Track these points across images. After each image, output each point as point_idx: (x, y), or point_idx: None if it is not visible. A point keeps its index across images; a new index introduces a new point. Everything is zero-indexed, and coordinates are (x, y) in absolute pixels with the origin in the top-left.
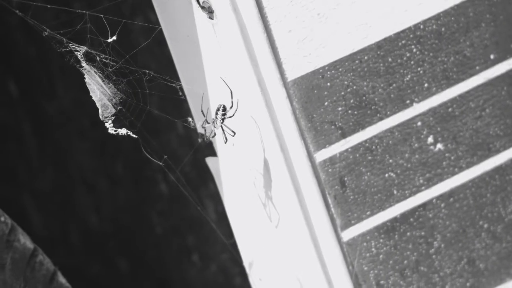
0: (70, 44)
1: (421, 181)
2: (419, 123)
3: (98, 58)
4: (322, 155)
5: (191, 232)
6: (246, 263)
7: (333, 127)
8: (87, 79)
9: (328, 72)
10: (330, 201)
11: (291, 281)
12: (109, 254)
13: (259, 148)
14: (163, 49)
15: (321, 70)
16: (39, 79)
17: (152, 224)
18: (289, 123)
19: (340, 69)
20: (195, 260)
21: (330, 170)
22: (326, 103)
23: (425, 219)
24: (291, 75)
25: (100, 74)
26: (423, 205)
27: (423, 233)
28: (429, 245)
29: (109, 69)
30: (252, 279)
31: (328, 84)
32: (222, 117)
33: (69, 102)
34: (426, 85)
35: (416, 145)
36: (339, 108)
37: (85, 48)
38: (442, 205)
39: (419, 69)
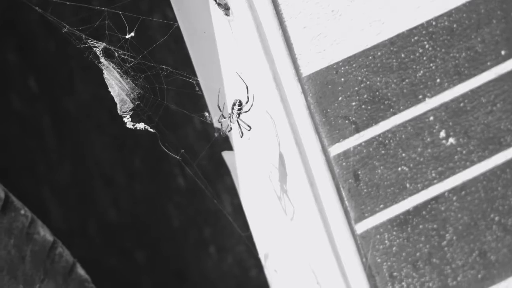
0: (89, 40)
1: (433, 174)
2: (431, 118)
3: (116, 54)
4: (336, 149)
5: (208, 224)
6: (261, 255)
7: (347, 121)
8: (106, 74)
9: (342, 68)
10: (344, 194)
11: (306, 272)
12: (127, 246)
13: (274, 142)
14: (180, 45)
15: (335, 66)
16: (59, 74)
17: (169, 217)
18: (304, 118)
19: (354, 65)
20: (212, 252)
21: (344, 164)
22: (340, 98)
23: (437, 212)
24: (305, 71)
25: (119, 70)
26: (435, 198)
27: (435, 226)
28: (441, 238)
29: (127, 64)
30: (268, 270)
31: (342, 79)
32: (238, 112)
33: (88, 97)
34: (438, 80)
35: (428, 139)
36: (353, 103)
37: (104, 44)
38: (454, 198)
39: (431, 64)
